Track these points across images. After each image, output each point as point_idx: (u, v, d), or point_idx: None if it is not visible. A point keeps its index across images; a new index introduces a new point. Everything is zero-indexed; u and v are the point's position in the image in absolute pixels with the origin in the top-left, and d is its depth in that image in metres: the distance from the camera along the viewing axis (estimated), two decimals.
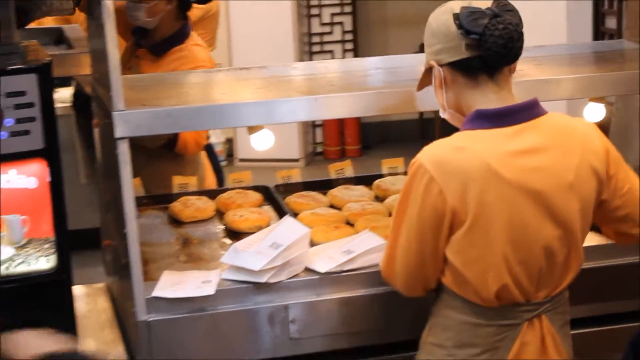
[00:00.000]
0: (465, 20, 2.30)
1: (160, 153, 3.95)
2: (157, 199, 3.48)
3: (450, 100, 2.41)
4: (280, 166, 5.66)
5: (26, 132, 2.75)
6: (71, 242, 2.80)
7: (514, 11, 2.34)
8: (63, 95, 5.33)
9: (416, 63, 3.10)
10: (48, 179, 2.80)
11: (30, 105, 2.74)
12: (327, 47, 8.71)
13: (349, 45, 8.63)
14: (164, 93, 3.12)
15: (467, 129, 2.33)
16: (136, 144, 3.64)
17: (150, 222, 3.29)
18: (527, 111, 2.33)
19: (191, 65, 4.00)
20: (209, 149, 4.62)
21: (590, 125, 2.45)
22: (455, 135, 2.33)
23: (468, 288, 2.30)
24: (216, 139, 7.52)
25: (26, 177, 2.79)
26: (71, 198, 4.31)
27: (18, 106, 2.74)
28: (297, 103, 2.86)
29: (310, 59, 8.50)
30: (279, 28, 8.15)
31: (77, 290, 3.20)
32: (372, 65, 3.39)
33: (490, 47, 2.27)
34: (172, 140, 3.86)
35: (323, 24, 8.62)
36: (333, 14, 8.57)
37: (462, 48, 2.33)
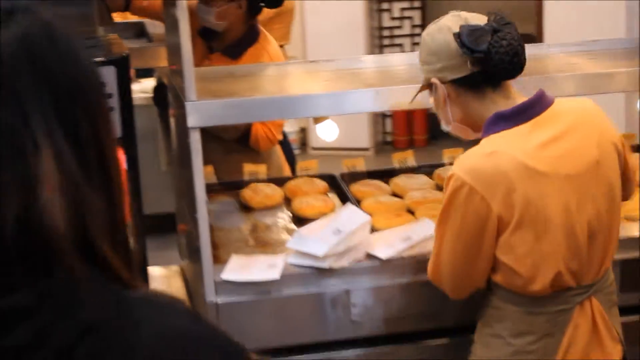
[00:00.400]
0: (468, 39, 2.27)
1: (236, 146, 3.96)
2: (228, 185, 3.52)
3: (456, 114, 2.40)
4: (350, 154, 5.70)
5: None
6: (150, 226, 2.84)
7: (511, 24, 2.33)
8: (145, 86, 5.42)
9: None
10: (125, 167, 2.84)
11: (108, 96, 2.78)
12: (396, 41, 8.64)
13: (418, 39, 8.56)
14: (236, 85, 3.14)
15: (490, 134, 2.31)
16: (213, 135, 3.69)
17: (221, 208, 3.31)
18: (540, 103, 2.33)
19: (267, 61, 3.99)
20: (283, 137, 4.63)
21: (594, 104, 2.45)
22: (482, 142, 2.31)
23: (521, 282, 2.30)
24: (290, 128, 7.55)
25: None
26: (152, 184, 4.40)
27: None
28: (362, 95, 2.87)
29: (381, 53, 8.44)
30: (350, 22, 8.14)
31: (153, 271, 3.25)
32: None
33: (497, 64, 2.26)
34: (245, 134, 3.88)
35: (393, 19, 8.56)
36: (403, 9, 8.52)
37: (466, 65, 2.31)
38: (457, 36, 2.28)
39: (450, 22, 2.34)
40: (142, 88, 5.44)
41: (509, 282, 2.32)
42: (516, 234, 2.25)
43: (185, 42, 2.74)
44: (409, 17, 8.59)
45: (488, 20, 2.31)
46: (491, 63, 2.26)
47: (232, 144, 3.91)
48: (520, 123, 2.29)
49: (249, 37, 4.07)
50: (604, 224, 2.34)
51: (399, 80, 3.08)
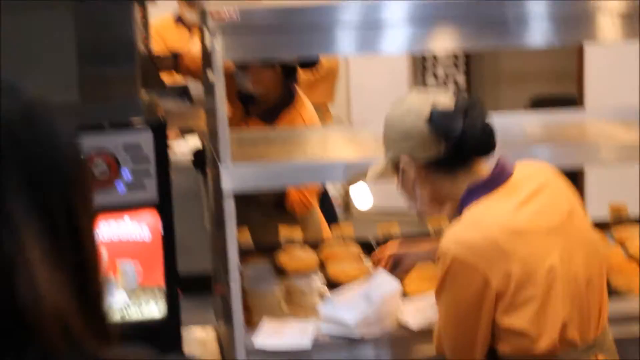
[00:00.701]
0: (440, 123, 2.29)
1: (274, 209, 3.97)
2: (264, 249, 3.50)
3: (425, 193, 2.40)
4: (395, 217, 5.65)
5: (141, 185, 2.81)
6: (195, 285, 2.84)
7: (478, 102, 2.35)
8: (192, 144, 5.47)
9: (525, 121, 3.09)
10: (160, 230, 2.87)
11: (145, 159, 2.82)
12: None
13: None
14: (270, 149, 3.16)
15: (469, 206, 2.30)
16: (252, 197, 3.69)
17: (256, 272, 3.29)
18: (506, 169, 2.34)
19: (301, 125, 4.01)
20: (325, 199, 4.62)
21: (551, 165, 2.51)
22: (464, 215, 2.30)
23: (528, 342, 2.25)
24: (335, 190, 7.54)
25: (140, 228, 2.85)
26: (197, 241, 4.41)
27: (134, 160, 2.81)
28: None
29: None
30: (395, 83, 8.16)
31: (189, 332, 3.24)
32: None
33: (471, 146, 2.28)
34: (282, 198, 3.86)
35: (437, 79, 8.59)
36: (447, 69, 8.55)
37: (438, 147, 2.32)
38: (430, 121, 2.29)
39: (418, 104, 2.35)
40: (189, 146, 5.50)
41: (515, 346, 2.27)
42: (517, 296, 2.22)
43: (221, 106, 2.77)
44: (453, 79, 8.61)
45: (456, 100, 2.32)
46: (465, 145, 2.28)
47: (270, 207, 3.91)
48: (494, 189, 2.30)
49: (284, 101, 4.08)
50: (594, 269, 2.34)
51: None
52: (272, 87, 3.99)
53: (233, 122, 4.19)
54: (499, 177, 2.33)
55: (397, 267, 2.99)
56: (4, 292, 1.08)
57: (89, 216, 1.20)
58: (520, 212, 2.28)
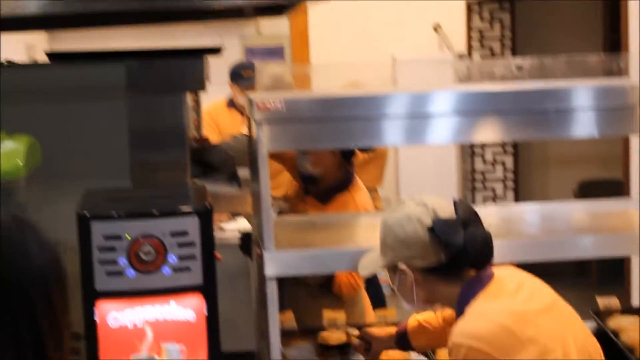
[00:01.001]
0: (442, 233, 2.33)
1: (320, 291, 3.97)
2: (307, 331, 3.49)
3: (422, 295, 2.43)
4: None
5: (187, 269, 2.83)
6: None
7: (476, 213, 2.41)
8: (241, 225, 5.50)
9: (573, 210, 3.09)
10: (205, 312, 2.88)
11: (191, 244, 2.84)
12: (489, 185, 8.66)
13: (510, 184, 8.55)
14: (314, 235, 3.17)
15: (470, 302, 2.35)
16: (298, 279, 3.71)
17: (299, 354, 3.28)
18: (489, 267, 2.41)
19: (352, 210, 4.01)
20: (373, 281, 4.61)
21: None
22: (468, 312, 2.33)
23: None
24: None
25: (184, 310, 2.86)
26: (244, 319, 4.41)
27: (181, 245, 2.84)
28: None
29: (473, 196, 8.46)
30: (444, 166, 8.17)
31: None
32: (528, 210, 3.41)
33: (471, 256, 2.34)
34: (329, 280, 3.86)
35: (486, 163, 8.60)
36: (495, 154, 8.55)
37: (438, 256, 2.36)
38: (431, 230, 2.33)
39: (418, 213, 2.38)
40: (239, 227, 5.53)
41: None
42: None
43: (265, 192, 2.79)
44: (502, 162, 8.59)
45: (455, 210, 2.37)
46: (465, 256, 2.33)
47: (317, 289, 3.91)
48: (485, 286, 2.37)
49: (341, 184, 4.10)
50: (591, 344, 2.43)
51: None
52: (330, 169, 4.03)
53: (293, 199, 4.27)
54: (487, 275, 2.39)
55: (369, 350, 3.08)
56: None
57: (54, 330, 1.22)
58: (517, 298, 2.34)
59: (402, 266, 2.40)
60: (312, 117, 2.85)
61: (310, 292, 3.93)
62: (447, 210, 2.37)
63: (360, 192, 4.12)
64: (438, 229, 2.32)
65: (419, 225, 2.36)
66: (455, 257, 2.34)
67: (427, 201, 2.40)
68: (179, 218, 2.85)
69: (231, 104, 6.15)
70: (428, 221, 2.34)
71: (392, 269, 2.46)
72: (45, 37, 7.39)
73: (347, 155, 4.10)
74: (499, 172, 8.62)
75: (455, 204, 2.41)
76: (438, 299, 2.44)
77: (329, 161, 4.03)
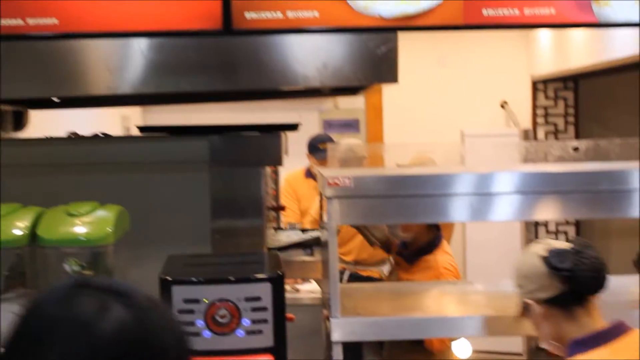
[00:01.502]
0: (554, 261, 2.40)
1: (411, 345, 3.92)
2: None
3: (549, 332, 2.46)
4: (503, 358, 5.54)
5: (259, 332, 2.85)
6: None
7: (591, 246, 2.44)
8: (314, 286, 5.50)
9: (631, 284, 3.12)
10: None
11: (264, 309, 2.87)
12: None
13: None
14: (381, 302, 3.18)
15: (570, 358, 2.37)
16: None
17: None
18: (616, 331, 2.39)
19: (433, 273, 4.00)
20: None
21: None
22: None
23: None
24: None
25: None
26: None
27: (254, 309, 2.87)
28: (496, 321, 2.88)
29: None
30: (509, 235, 8.08)
31: None
32: None
33: (581, 281, 2.37)
34: None
35: (549, 232, 8.51)
36: (558, 224, 8.47)
37: (554, 285, 2.41)
38: (544, 258, 2.40)
39: (538, 248, 2.47)
40: (312, 288, 5.54)
41: None
42: None
43: (333, 262, 2.82)
44: (564, 232, 8.51)
45: (571, 242, 2.45)
46: (576, 280, 2.37)
47: (408, 343, 3.87)
48: (595, 348, 2.36)
49: (427, 247, 4.10)
50: None
51: None
52: (420, 233, 4.05)
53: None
54: (603, 337, 2.37)
55: None
56: None
57: None
58: None
59: (528, 301, 2.47)
60: (379, 193, 2.87)
61: (403, 346, 3.91)
62: (564, 245, 2.46)
63: (444, 255, 4.12)
64: (551, 257, 2.40)
65: (536, 258, 2.44)
66: (568, 283, 2.39)
67: (549, 241, 2.52)
68: (253, 284, 2.87)
69: (309, 174, 6.18)
70: (544, 253, 2.43)
71: (525, 307, 2.51)
72: (139, 109, 7.58)
73: (432, 226, 4.12)
74: (562, 239, 8.49)
75: (573, 240, 2.49)
76: (561, 337, 2.45)
77: (418, 226, 4.05)
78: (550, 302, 2.44)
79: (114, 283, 1.36)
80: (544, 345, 2.54)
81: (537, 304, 2.45)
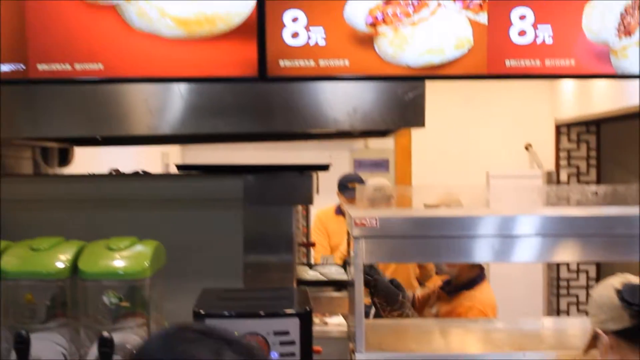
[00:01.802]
0: (627, 294, 2.43)
1: None
2: None
3: None
4: None
5: None
6: None
7: None
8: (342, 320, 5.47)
9: None
10: None
11: (292, 343, 2.86)
12: (572, 292, 8.48)
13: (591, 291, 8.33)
14: (405, 338, 3.17)
15: None
16: None
17: None
18: None
19: (468, 307, 3.97)
20: None
21: None
22: None
23: None
24: None
25: None
26: None
27: (282, 343, 2.86)
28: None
29: (558, 302, 8.31)
30: (531, 272, 8.07)
31: None
32: None
33: None
34: None
35: (570, 271, 8.45)
36: (579, 264, 8.41)
37: (625, 318, 2.42)
38: (619, 292, 2.44)
39: (615, 281, 2.50)
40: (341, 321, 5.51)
41: None
42: None
43: (359, 298, 2.82)
44: (585, 271, 8.44)
45: None
46: None
47: None
48: None
49: (468, 283, 4.09)
50: None
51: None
52: (464, 269, 4.05)
53: (428, 295, 4.29)
54: None
55: None
56: None
57: None
58: None
59: (599, 330, 2.47)
60: (404, 234, 2.88)
61: None
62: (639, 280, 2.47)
63: (484, 293, 4.10)
64: (625, 291, 2.42)
65: (612, 290, 2.47)
66: (637, 317, 2.40)
67: (627, 275, 2.55)
68: (282, 319, 2.86)
69: (339, 211, 6.19)
70: (619, 286, 2.45)
71: (595, 336, 2.54)
72: (179, 146, 7.63)
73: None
74: (582, 279, 8.45)
75: None
76: None
77: (464, 265, 4.04)
78: (619, 334, 2.44)
79: (214, 329, 1.39)
80: None
81: (606, 334, 2.46)
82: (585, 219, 2.93)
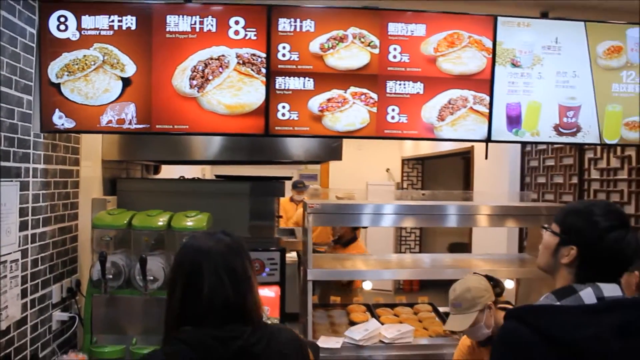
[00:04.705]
0: (490, 279, 2.12)
1: (338, 287, 3.85)
2: None
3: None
4: (381, 294, 5.30)
5: (272, 274, 2.82)
6: None
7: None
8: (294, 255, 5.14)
9: None
10: (279, 294, 2.81)
11: (276, 264, 2.85)
12: (407, 243, 8.20)
13: None
14: (333, 263, 3.04)
15: None
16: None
17: None
18: None
19: (358, 251, 3.89)
20: None
21: None
22: None
23: None
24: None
25: (270, 291, 2.82)
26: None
27: (271, 264, 2.87)
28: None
29: (400, 248, 8.07)
30: (387, 238, 7.83)
31: None
32: None
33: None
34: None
35: (406, 232, 8.22)
36: (411, 228, 8.18)
37: (492, 292, 2.10)
38: (487, 277, 2.10)
39: (475, 276, 2.14)
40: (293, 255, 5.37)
41: None
42: None
43: (309, 242, 2.76)
44: (413, 232, 8.28)
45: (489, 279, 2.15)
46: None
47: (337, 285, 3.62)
48: None
49: (351, 239, 4.01)
50: None
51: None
52: (347, 233, 3.93)
53: (329, 244, 4.19)
54: None
55: None
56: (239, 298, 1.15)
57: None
58: None
59: (489, 302, 2.11)
60: (330, 211, 2.84)
61: (331, 287, 3.80)
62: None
63: (361, 244, 4.08)
64: (488, 277, 2.14)
65: (482, 279, 2.14)
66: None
67: (475, 273, 2.20)
68: (270, 252, 2.84)
69: (292, 200, 6.13)
70: (482, 276, 2.16)
71: (482, 310, 2.09)
72: (209, 165, 7.38)
73: (354, 228, 4.12)
74: (412, 237, 8.17)
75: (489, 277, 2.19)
76: None
77: (347, 230, 4.02)
78: (493, 302, 2.10)
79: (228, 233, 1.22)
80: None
81: (488, 307, 2.09)
82: (418, 206, 2.95)
